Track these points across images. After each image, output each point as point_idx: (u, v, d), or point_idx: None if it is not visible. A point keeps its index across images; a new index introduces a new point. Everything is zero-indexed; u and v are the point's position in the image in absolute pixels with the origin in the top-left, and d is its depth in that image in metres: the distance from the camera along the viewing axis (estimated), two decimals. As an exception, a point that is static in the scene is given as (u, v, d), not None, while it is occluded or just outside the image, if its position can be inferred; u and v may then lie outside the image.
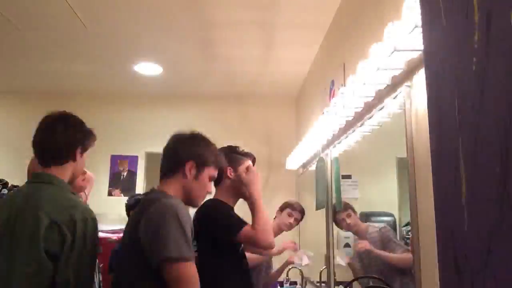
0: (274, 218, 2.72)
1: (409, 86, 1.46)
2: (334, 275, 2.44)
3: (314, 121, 2.68)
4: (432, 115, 0.58)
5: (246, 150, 1.96)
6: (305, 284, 3.17)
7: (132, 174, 4.18)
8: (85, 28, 2.88)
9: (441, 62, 0.55)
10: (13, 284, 1.19)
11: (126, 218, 2.14)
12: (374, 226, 1.95)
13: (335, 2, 2.53)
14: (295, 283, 3.31)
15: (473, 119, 0.46)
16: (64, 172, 1.38)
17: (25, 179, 1.77)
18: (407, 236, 1.57)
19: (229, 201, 1.80)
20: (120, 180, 4.18)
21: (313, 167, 2.97)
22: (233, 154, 1.87)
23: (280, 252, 2.62)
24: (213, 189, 1.88)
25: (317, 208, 2.75)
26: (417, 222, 1.37)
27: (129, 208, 2.41)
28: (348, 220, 2.17)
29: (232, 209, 1.77)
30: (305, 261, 2.56)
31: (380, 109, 1.71)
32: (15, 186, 1.91)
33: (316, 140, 2.68)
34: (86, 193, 2.07)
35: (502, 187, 0.40)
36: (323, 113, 2.38)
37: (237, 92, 4.19)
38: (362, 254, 2.06)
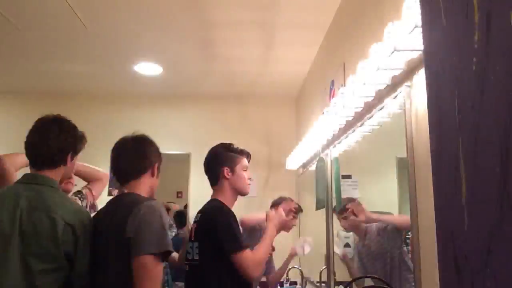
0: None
1: (409, 86, 1.46)
2: (334, 275, 2.44)
3: (314, 121, 2.68)
4: (432, 115, 0.58)
5: (247, 149, 1.95)
6: (305, 284, 3.17)
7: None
8: (85, 28, 2.88)
9: (441, 62, 0.55)
10: (36, 280, 1.27)
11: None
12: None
13: (335, 2, 2.53)
14: (295, 283, 3.31)
15: (473, 119, 0.46)
16: (56, 175, 1.45)
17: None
18: (407, 236, 1.57)
19: (228, 200, 1.79)
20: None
21: (313, 167, 2.97)
22: (229, 153, 1.85)
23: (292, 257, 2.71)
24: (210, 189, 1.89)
25: (317, 208, 2.75)
26: (417, 222, 1.37)
27: None
28: (343, 222, 2.17)
29: (234, 216, 1.73)
30: (307, 249, 2.55)
31: (380, 109, 1.71)
32: None
33: (316, 140, 2.68)
34: (96, 193, 2.16)
35: (502, 187, 0.40)
36: (323, 113, 2.38)
37: (237, 92, 4.19)
38: (362, 254, 2.06)
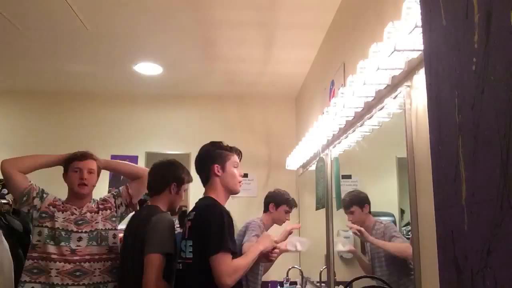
0: (266, 212, 2.69)
1: (409, 86, 1.46)
2: (334, 275, 2.44)
3: (314, 121, 2.68)
4: (432, 115, 0.58)
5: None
6: (305, 284, 3.17)
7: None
8: (85, 28, 2.88)
9: (441, 62, 0.55)
10: None
11: (126, 218, 2.17)
12: (381, 222, 1.94)
13: (335, 2, 2.53)
14: (295, 283, 3.31)
15: (473, 119, 0.46)
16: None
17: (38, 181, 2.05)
18: (407, 236, 1.57)
19: (220, 198, 1.77)
20: (120, 180, 4.17)
21: (313, 167, 2.97)
22: (218, 150, 1.82)
23: (285, 237, 2.61)
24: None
25: (317, 208, 2.75)
26: (417, 222, 1.37)
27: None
28: (350, 218, 2.14)
29: (228, 213, 1.70)
30: (299, 247, 2.51)
31: (380, 109, 1.71)
32: None
33: (316, 140, 2.68)
34: (134, 191, 2.24)
35: (502, 187, 0.40)
36: (323, 113, 2.38)
37: (237, 92, 4.19)
38: (366, 249, 2.05)
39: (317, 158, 2.80)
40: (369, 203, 2.04)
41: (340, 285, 2.37)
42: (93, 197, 2.13)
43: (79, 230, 1.95)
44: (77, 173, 2.01)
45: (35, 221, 1.95)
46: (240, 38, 3.04)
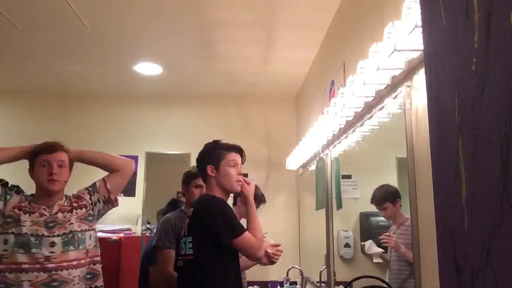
0: (234, 206, 2.63)
1: (409, 86, 1.46)
2: (334, 275, 2.44)
3: (314, 121, 2.68)
4: (432, 115, 0.58)
5: (247, 149, 1.92)
6: (305, 284, 3.17)
7: (132, 174, 4.18)
8: (85, 28, 2.88)
9: (441, 62, 0.55)
10: None
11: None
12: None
13: (335, 2, 2.53)
14: (295, 283, 3.31)
15: (473, 119, 0.46)
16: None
17: (25, 178, 1.84)
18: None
19: (220, 196, 1.76)
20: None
21: (313, 167, 2.97)
22: (213, 150, 1.81)
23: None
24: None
25: (317, 208, 2.75)
26: (417, 222, 1.37)
27: None
28: (383, 214, 2.09)
29: (227, 203, 1.73)
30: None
31: (380, 109, 1.71)
32: (15, 186, 1.91)
33: (316, 140, 2.68)
34: (113, 186, 2.03)
35: (502, 187, 0.40)
36: (323, 113, 2.38)
37: (237, 92, 4.19)
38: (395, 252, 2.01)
39: (317, 158, 2.80)
40: (400, 198, 1.99)
41: (340, 285, 2.37)
42: (65, 194, 1.88)
43: (51, 234, 1.70)
44: (45, 167, 1.75)
45: (0, 228, 1.70)
46: (240, 38, 3.04)
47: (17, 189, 1.85)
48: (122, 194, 4.10)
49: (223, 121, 4.21)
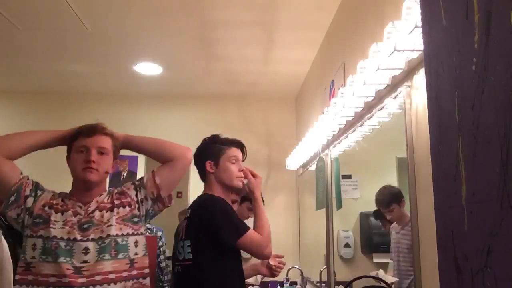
0: (241, 204, 2.59)
1: (409, 86, 1.46)
2: (334, 275, 2.44)
3: (314, 121, 2.68)
4: (432, 115, 0.58)
5: (247, 149, 1.83)
6: (305, 284, 3.17)
7: (132, 174, 4.18)
8: (85, 28, 2.88)
9: (441, 62, 0.55)
10: None
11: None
12: None
13: (335, 2, 2.53)
14: (295, 283, 3.31)
15: (473, 119, 0.46)
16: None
17: (45, 172, 1.78)
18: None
19: (220, 195, 1.66)
20: (120, 180, 4.17)
21: (313, 167, 2.97)
22: (212, 145, 1.72)
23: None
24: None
25: (317, 208, 2.75)
26: (417, 222, 1.37)
27: None
28: (389, 216, 2.08)
29: (227, 203, 1.64)
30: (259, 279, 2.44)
31: (380, 109, 1.71)
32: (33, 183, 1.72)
33: (316, 140, 2.68)
34: (162, 180, 1.65)
35: (502, 187, 0.40)
36: (323, 113, 2.38)
37: (237, 92, 4.19)
38: (395, 240, 2.00)
39: (317, 158, 2.80)
40: (404, 198, 1.98)
41: (340, 285, 2.37)
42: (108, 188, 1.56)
43: (85, 238, 1.36)
44: (82, 153, 1.44)
45: (28, 230, 1.39)
46: (240, 38, 3.04)
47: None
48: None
49: (223, 121, 4.21)
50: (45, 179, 1.57)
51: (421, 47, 0.73)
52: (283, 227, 3.86)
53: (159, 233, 2.90)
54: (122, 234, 1.42)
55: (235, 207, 2.19)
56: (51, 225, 1.36)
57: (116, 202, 1.47)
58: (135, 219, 1.48)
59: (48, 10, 2.66)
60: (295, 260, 3.64)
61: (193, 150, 1.67)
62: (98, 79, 3.97)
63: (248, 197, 2.24)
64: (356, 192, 2.39)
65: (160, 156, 1.59)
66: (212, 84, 4.01)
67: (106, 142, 1.48)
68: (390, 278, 1.97)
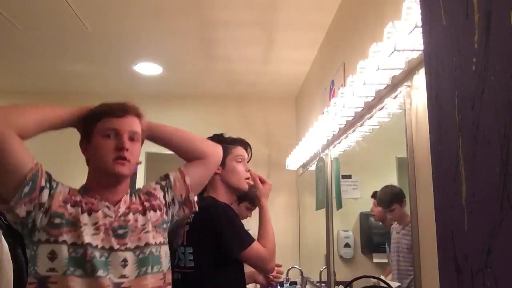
0: (240, 204, 2.55)
1: (409, 86, 1.46)
2: (334, 275, 2.44)
3: (314, 121, 2.68)
4: (432, 115, 0.58)
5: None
6: (305, 284, 3.17)
7: (132, 174, 4.16)
8: (85, 28, 2.88)
9: (441, 62, 0.55)
10: None
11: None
12: None
13: (335, 2, 2.53)
14: (295, 283, 3.31)
15: (473, 119, 0.46)
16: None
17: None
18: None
19: (223, 198, 1.59)
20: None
21: (313, 167, 2.97)
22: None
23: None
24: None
25: (317, 208, 2.75)
26: (417, 222, 1.37)
27: None
28: (390, 216, 2.07)
29: (233, 210, 1.57)
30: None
31: (380, 109, 1.71)
32: None
33: (316, 140, 2.68)
34: (192, 180, 1.48)
35: (502, 187, 0.40)
36: (323, 113, 2.38)
37: (237, 92, 4.19)
38: (395, 240, 1.99)
39: (317, 158, 2.80)
40: (405, 197, 1.97)
41: (340, 285, 2.37)
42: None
43: (122, 247, 1.10)
44: (111, 139, 1.14)
45: (42, 234, 1.05)
46: (240, 38, 3.04)
47: None
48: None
49: (223, 121, 4.21)
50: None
51: (421, 47, 0.74)
52: (283, 227, 3.86)
53: None
54: (155, 243, 1.16)
55: (234, 206, 2.17)
56: (81, 228, 1.06)
57: (146, 204, 1.21)
58: (164, 226, 1.23)
59: (48, 10, 2.66)
60: (295, 260, 3.64)
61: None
62: (98, 79, 3.97)
63: (246, 197, 2.26)
64: (356, 192, 2.40)
65: (189, 152, 1.36)
66: (212, 84, 4.01)
67: (138, 126, 1.21)
68: (393, 284, 1.95)
